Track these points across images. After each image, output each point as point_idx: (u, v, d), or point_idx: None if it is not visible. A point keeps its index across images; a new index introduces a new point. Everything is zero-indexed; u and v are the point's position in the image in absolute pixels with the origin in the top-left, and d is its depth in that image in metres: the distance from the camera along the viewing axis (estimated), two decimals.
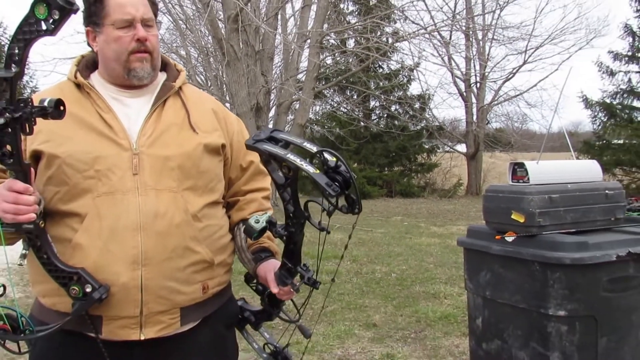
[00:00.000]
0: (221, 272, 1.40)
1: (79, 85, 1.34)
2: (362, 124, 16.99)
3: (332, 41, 14.34)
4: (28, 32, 1.02)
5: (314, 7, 11.79)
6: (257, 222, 1.16)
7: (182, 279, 1.29)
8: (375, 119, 18.15)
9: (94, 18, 1.32)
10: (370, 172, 16.80)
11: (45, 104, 1.08)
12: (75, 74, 1.35)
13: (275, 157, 1.05)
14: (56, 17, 1.01)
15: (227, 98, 12.62)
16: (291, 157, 1.02)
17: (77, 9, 1.04)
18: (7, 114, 1.05)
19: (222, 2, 10.42)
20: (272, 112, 13.26)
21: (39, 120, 1.10)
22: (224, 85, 13.47)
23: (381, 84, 16.67)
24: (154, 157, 1.28)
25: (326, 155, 1.01)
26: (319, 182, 0.95)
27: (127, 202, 1.25)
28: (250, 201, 1.47)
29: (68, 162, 1.25)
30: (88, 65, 1.39)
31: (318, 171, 0.98)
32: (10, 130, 1.08)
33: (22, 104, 1.08)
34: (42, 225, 1.23)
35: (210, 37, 12.29)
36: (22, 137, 1.14)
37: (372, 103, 18.11)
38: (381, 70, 17.68)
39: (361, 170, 16.70)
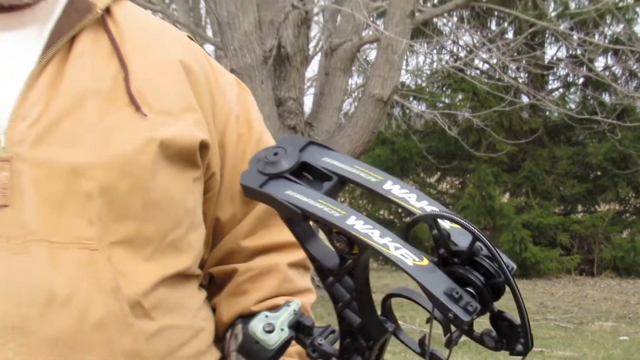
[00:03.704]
0: None
1: None
2: (525, 100, 13.72)
3: None
4: None
5: None
6: (270, 330, 0.97)
7: None
8: (559, 88, 15.04)
9: None
10: (542, 215, 13.53)
11: None
12: None
13: (319, 220, 0.89)
14: None
15: (210, 33, 10.99)
16: (359, 225, 0.85)
17: None
18: None
19: None
20: (312, 69, 11.80)
21: None
22: (203, 4, 11.49)
23: (573, 5, 13.24)
24: (46, 169, 1.14)
25: (447, 222, 0.86)
26: (430, 291, 0.81)
27: None
28: (261, 273, 1.34)
29: None
30: None
31: (426, 261, 0.83)
32: None
33: None
34: None
35: None
36: None
37: (551, 51, 14.87)
38: None
39: (520, 211, 13.61)
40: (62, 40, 1.19)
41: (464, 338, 0.85)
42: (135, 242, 1.18)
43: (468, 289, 0.82)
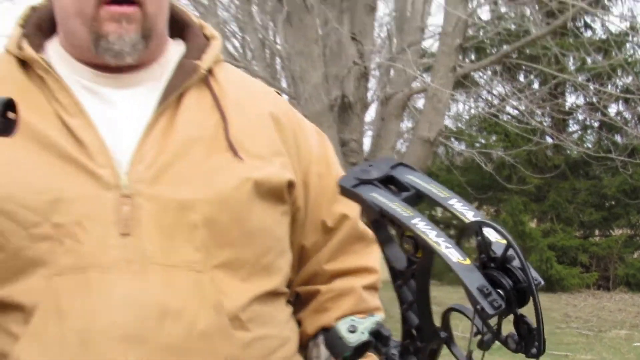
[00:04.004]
0: None
1: (25, 63, 1.26)
2: (549, 140, 14.16)
3: None
4: None
5: None
6: (353, 331, 1.06)
7: None
8: (577, 130, 15.52)
9: None
10: (565, 239, 13.96)
11: None
12: (20, 42, 1.26)
13: (392, 218, 0.94)
14: None
15: (284, 85, 10.93)
16: (421, 225, 0.91)
17: None
18: None
19: None
20: (370, 115, 11.62)
21: None
22: (279, 60, 11.60)
23: (589, 60, 13.57)
24: (160, 204, 1.20)
25: (488, 231, 0.89)
26: (466, 285, 0.85)
27: (110, 287, 1.16)
28: (341, 294, 1.38)
29: (6, 210, 1.17)
30: (42, 26, 1.31)
31: (468, 261, 0.87)
32: None
33: None
34: None
35: None
36: None
37: (571, 99, 15.26)
38: (589, 33, 14.69)
39: (546, 235, 13.97)
40: (173, 96, 1.25)
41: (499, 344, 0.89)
42: (233, 265, 1.23)
43: (498, 290, 0.86)
